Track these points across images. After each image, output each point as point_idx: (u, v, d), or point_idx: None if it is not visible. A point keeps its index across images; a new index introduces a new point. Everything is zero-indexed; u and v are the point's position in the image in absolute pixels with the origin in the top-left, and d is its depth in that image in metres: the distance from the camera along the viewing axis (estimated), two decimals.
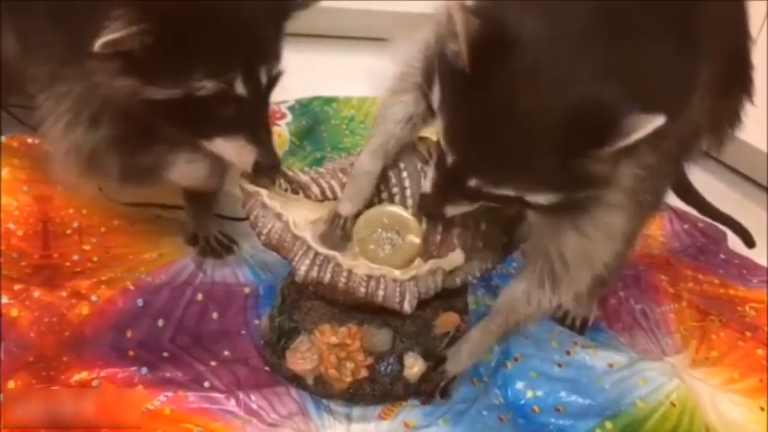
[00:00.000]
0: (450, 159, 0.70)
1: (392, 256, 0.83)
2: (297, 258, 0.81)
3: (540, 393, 0.95)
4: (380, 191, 0.85)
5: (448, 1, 0.66)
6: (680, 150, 0.89)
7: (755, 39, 0.93)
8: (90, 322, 0.92)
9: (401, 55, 0.80)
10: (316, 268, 0.81)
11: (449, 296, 0.89)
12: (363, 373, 0.88)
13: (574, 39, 0.64)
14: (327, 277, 0.80)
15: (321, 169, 0.93)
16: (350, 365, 0.88)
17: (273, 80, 0.86)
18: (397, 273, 0.80)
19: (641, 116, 0.60)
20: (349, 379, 0.88)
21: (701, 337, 1.10)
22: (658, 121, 0.59)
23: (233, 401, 0.86)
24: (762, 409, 0.98)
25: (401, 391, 0.91)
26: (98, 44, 0.72)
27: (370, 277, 0.80)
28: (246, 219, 0.87)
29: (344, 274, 0.80)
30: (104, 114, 0.87)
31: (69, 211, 1.09)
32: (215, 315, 0.99)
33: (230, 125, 0.84)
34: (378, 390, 0.89)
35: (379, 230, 0.83)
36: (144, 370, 0.88)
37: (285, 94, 1.32)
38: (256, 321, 0.99)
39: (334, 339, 0.87)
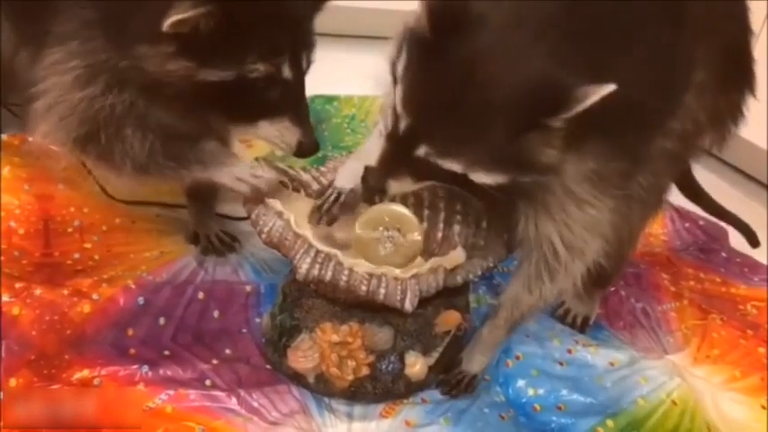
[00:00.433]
0: (403, 125, 0.71)
1: (393, 254, 0.83)
2: (298, 256, 0.81)
3: (541, 391, 0.95)
4: None
5: None
6: (681, 148, 0.89)
7: (756, 36, 0.92)
8: (91, 320, 0.92)
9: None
10: (317, 266, 0.81)
11: (450, 294, 0.89)
12: (365, 371, 0.88)
13: (533, 26, 0.68)
14: (328, 275, 0.80)
15: (322, 168, 0.93)
16: (351, 364, 0.88)
17: (308, 66, 0.88)
18: (398, 271, 0.81)
19: (592, 86, 0.63)
20: (350, 377, 0.88)
21: (703, 335, 1.10)
22: (608, 88, 0.62)
23: (234, 400, 0.86)
24: (763, 407, 0.98)
25: (402, 390, 0.91)
26: (166, 24, 0.73)
27: (371, 275, 0.80)
28: (247, 217, 0.87)
29: (346, 272, 0.80)
30: (129, 84, 0.83)
31: (70, 209, 1.09)
32: (216, 313, 0.99)
33: (276, 107, 0.85)
34: (379, 388, 0.89)
35: (381, 229, 0.83)
36: (145, 368, 0.88)
37: None
38: (257, 320, 0.99)
39: (335, 338, 0.87)
